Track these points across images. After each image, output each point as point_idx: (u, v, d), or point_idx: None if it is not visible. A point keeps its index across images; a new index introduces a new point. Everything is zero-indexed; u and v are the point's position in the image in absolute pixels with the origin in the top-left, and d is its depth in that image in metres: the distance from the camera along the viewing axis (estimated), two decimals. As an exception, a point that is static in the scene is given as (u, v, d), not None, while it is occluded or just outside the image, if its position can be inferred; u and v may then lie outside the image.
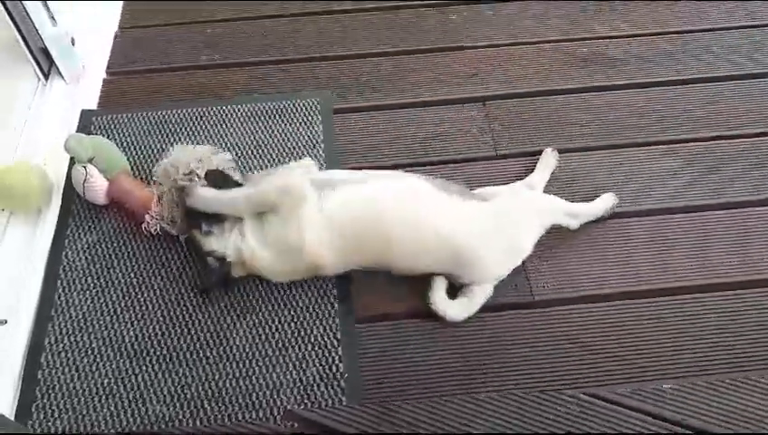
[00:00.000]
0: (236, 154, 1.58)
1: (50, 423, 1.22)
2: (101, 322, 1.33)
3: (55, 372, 1.27)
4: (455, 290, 1.34)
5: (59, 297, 1.36)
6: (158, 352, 1.29)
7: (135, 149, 1.59)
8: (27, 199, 1.47)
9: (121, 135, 1.62)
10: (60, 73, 1.73)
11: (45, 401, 1.24)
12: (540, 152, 1.57)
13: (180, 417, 1.22)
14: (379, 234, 1.28)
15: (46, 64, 1.72)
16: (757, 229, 1.45)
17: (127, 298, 1.36)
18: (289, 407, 1.23)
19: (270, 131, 1.63)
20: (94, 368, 1.27)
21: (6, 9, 1.57)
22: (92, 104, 1.71)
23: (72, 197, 1.49)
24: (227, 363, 1.28)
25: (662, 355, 1.28)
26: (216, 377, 1.26)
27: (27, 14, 1.60)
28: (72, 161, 1.48)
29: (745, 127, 1.64)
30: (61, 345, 1.30)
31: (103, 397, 1.24)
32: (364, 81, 1.76)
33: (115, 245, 1.43)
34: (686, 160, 1.57)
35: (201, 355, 1.29)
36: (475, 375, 1.27)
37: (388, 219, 1.28)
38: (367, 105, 1.71)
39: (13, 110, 1.66)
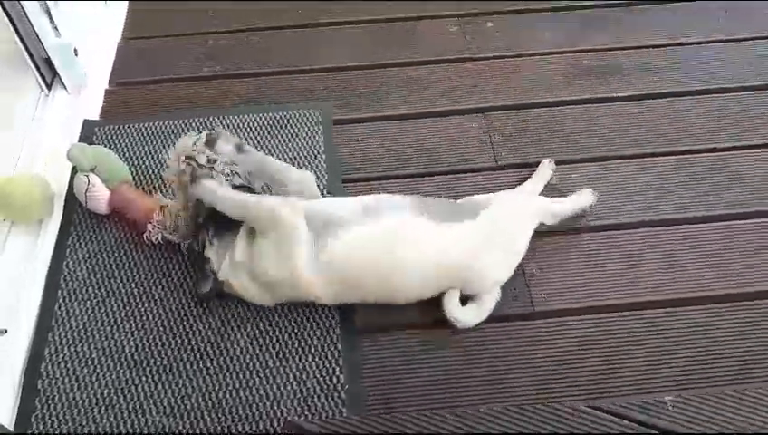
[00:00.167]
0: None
1: (49, 434, 1.21)
2: (102, 332, 1.33)
3: (55, 382, 1.27)
4: (465, 297, 1.34)
5: (59, 307, 1.36)
6: (158, 363, 1.29)
7: (137, 159, 1.60)
8: (29, 209, 1.47)
9: (123, 145, 1.62)
10: (62, 84, 1.73)
11: (45, 411, 1.23)
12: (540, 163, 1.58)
13: (180, 428, 1.21)
14: (381, 280, 1.29)
15: (49, 75, 1.73)
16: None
17: (127, 308, 1.36)
18: (289, 418, 1.23)
19: (271, 142, 1.63)
20: (94, 378, 1.27)
21: (10, 19, 1.57)
22: (95, 114, 1.72)
23: (74, 206, 1.49)
24: (227, 374, 1.27)
25: (663, 367, 1.28)
26: (216, 388, 1.26)
27: (31, 24, 1.61)
28: (75, 171, 1.48)
29: (751, 139, 1.64)
30: (61, 355, 1.30)
31: (103, 407, 1.24)
32: (364, 92, 1.77)
33: (116, 254, 1.43)
34: (691, 170, 1.58)
35: (201, 366, 1.29)
36: (477, 386, 1.26)
37: (388, 265, 1.28)
38: (367, 116, 1.71)
39: (15, 119, 1.67)
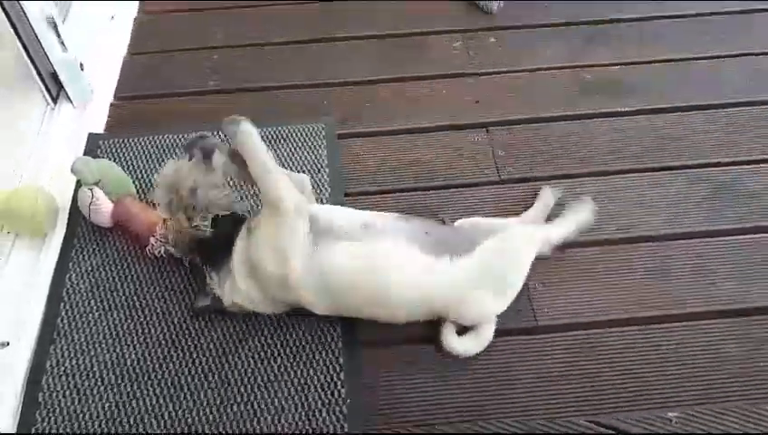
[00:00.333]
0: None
1: (50, 447, 1.21)
2: (104, 345, 1.33)
3: (56, 395, 1.26)
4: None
5: (61, 320, 1.36)
6: (159, 377, 1.29)
7: (141, 172, 1.61)
8: (34, 222, 1.47)
9: (128, 159, 1.63)
10: (68, 97, 1.75)
11: (46, 424, 1.23)
12: (543, 178, 1.59)
13: (181, 442, 1.21)
14: (364, 299, 1.28)
15: (55, 89, 1.74)
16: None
17: (129, 321, 1.36)
18: (290, 433, 1.22)
19: (275, 156, 1.63)
20: (96, 392, 1.27)
21: (17, 34, 1.59)
22: (99, 128, 1.73)
23: (78, 220, 1.50)
24: (229, 388, 1.27)
25: (667, 382, 1.27)
26: (218, 401, 1.26)
27: (38, 38, 1.62)
28: (79, 184, 1.49)
29: (752, 154, 1.64)
30: (62, 368, 1.30)
31: (104, 421, 1.23)
32: (368, 106, 1.78)
33: (119, 268, 1.43)
34: (691, 185, 1.57)
35: (203, 379, 1.28)
36: (479, 401, 1.26)
37: (369, 286, 1.26)
38: (371, 130, 1.72)
39: (21, 133, 1.68)
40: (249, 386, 1.27)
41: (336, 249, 1.25)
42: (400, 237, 1.28)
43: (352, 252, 1.26)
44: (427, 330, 1.32)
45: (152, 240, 1.38)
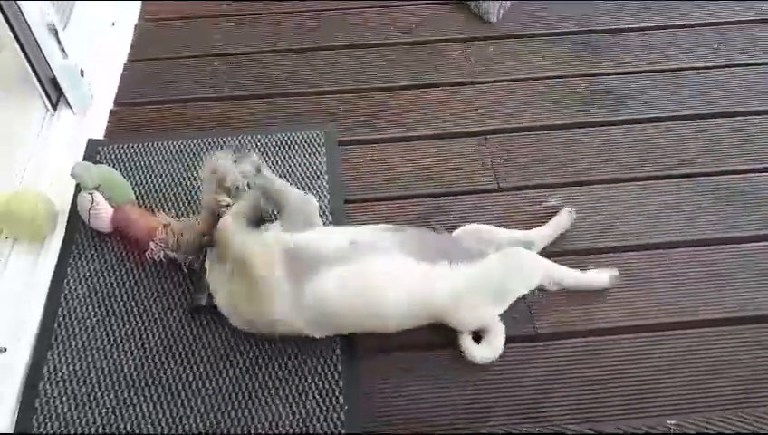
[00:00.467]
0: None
1: (46, 453, 1.20)
2: (101, 351, 1.32)
3: (53, 401, 1.26)
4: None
5: (59, 325, 1.35)
6: (156, 383, 1.28)
7: (140, 178, 1.61)
8: (33, 227, 1.47)
9: (127, 165, 1.63)
10: (68, 103, 1.75)
11: (42, 430, 1.22)
12: (541, 186, 1.59)
13: (178, 449, 1.21)
14: (360, 318, 1.28)
15: (55, 95, 1.74)
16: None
17: (127, 327, 1.35)
18: (288, 440, 1.22)
19: (275, 163, 1.64)
20: (92, 398, 1.26)
21: (18, 40, 1.60)
22: (99, 134, 1.73)
23: (77, 225, 1.50)
24: (226, 395, 1.26)
25: (667, 390, 1.27)
26: (215, 408, 1.25)
27: (38, 45, 1.63)
28: (78, 189, 1.49)
29: (749, 163, 1.65)
30: (60, 374, 1.29)
31: (101, 427, 1.23)
32: (368, 114, 1.79)
33: (117, 274, 1.43)
34: (690, 194, 1.58)
35: (200, 386, 1.28)
36: (478, 409, 1.25)
37: (366, 307, 1.26)
38: (371, 138, 1.73)
39: (21, 138, 1.68)
40: (247, 392, 1.27)
41: (326, 277, 1.23)
42: (393, 249, 1.27)
43: (343, 276, 1.24)
44: (426, 337, 1.32)
45: (151, 245, 1.38)
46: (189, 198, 1.57)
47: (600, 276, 1.40)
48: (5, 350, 1.33)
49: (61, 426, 1.23)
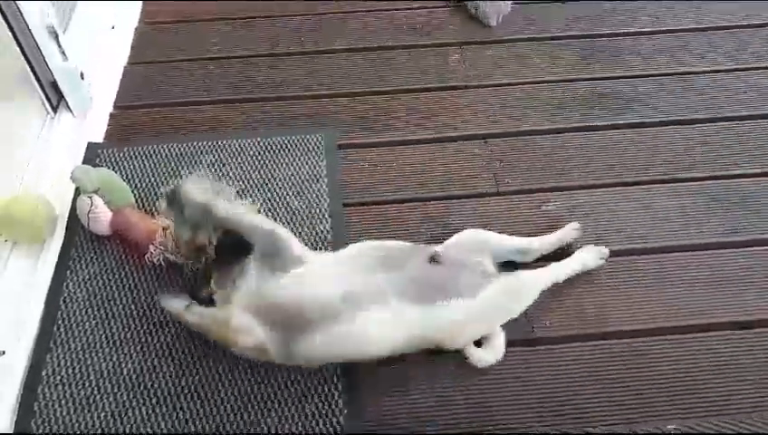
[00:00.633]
0: (240, 188, 1.59)
1: (44, 457, 1.20)
2: (101, 354, 1.32)
3: (52, 404, 1.26)
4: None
5: (58, 329, 1.35)
6: (156, 386, 1.28)
7: (140, 181, 1.61)
8: (33, 230, 1.47)
9: (126, 168, 1.64)
10: (68, 106, 1.75)
11: (41, 432, 1.22)
12: (542, 190, 1.60)
13: (177, 452, 1.21)
14: (364, 358, 1.26)
15: (55, 98, 1.74)
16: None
17: (127, 331, 1.35)
18: (288, 443, 1.22)
19: (274, 166, 1.64)
20: (92, 401, 1.26)
21: (18, 43, 1.60)
22: (99, 137, 1.74)
23: (76, 228, 1.50)
24: (225, 398, 1.26)
25: (666, 395, 1.27)
26: (215, 412, 1.25)
27: (38, 48, 1.63)
28: (78, 192, 1.49)
29: (759, 166, 1.65)
30: (59, 377, 1.29)
31: (100, 430, 1.23)
32: (367, 117, 1.79)
33: (116, 276, 1.43)
34: (691, 198, 1.58)
35: (200, 390, 1.28)
36: (478, 413, 1.25)
37: (370, 352, 1.24)
38: (370, 141, 1.73)
39: (21, 141, 1.68)
40: (246, 396, 1.27)
41: (313, 338, 1.19)
42: (389, 296, 1.21)
43: (333, 336, 1.19)
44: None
45: (151, 248, 1.38)
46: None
47: (591, 253, 1.42)
48: (4, 353, 1.33)
49: (60, 429, 1.23)
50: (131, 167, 1.64)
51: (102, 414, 1.24)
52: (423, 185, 1.63)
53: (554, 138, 1.73)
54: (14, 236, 1.50)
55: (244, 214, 1.29)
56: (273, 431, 1.23)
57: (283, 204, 1.56)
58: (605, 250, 1.43)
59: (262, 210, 1.49)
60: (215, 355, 1.32)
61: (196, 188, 1.29)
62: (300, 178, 1.62)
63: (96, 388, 1.28)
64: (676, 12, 2.07)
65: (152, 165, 1.64)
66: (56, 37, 1.64)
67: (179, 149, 1.68)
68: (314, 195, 1.58)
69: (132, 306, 1.38)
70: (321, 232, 1.51)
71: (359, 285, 1.22)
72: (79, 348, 1.33)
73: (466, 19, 2.07)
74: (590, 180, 1.63)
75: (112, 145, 1.70)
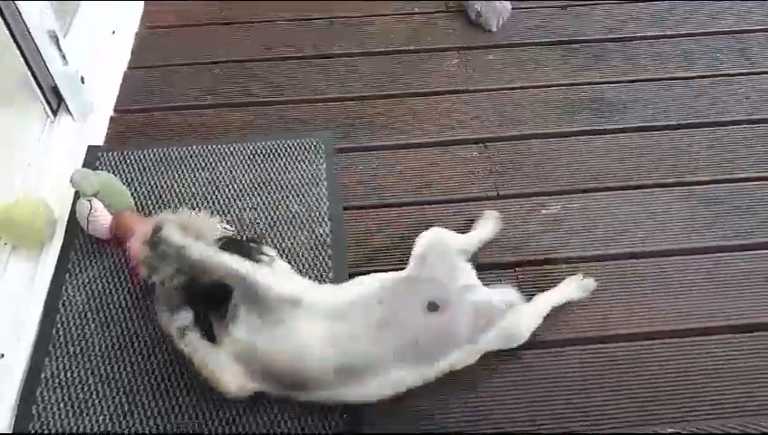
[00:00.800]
0: (240, 191, 1.59)
1: (42, 460, 1.19)
2: (99, 358, 1.32)
3: (51, 407, 1.25)
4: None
5: (57, 332, 1.35)
6: (155, 390, 1.28)
7: (140, 185, 1.61)
8: (33, 234, 1.47)
9: (127, 171, 1.64)
10: (68, 110, 1.75)
11: (39, 436, 1.22)
12: (541, 194, 1.60)
13: (175, 456, 1.20)
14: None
15: (55, 101, 1.75)
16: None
17: (126, 334, 1.35)
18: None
19: (273, 170, 1.65)
20: (90, 404, 1.26)
21: (19, 47, 1.60)
22: (99, 141, 1.74)
23: (76, 231, 1.50)
24: (226, 407, 1.25)
25: (665, 398, 1.27)
26: (215, 422, 1.24)
27: (39, 52, 1.63)
28: (78, 195, 1.49)
29: (755, 171, 1.65)
30: (57, 380, 1.29)
31: (99, 433, 1.22)
32: (367, 121, 1.79)
33: (115, 280, 1.43)
34: (692, 202, 1.58)
35: (199, 396, 1.27)
36: (476, 415, 1.25)
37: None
38: (369, 145, 1.73)
39: (21, 144, 1.68)
40: (248, 407, 1.25)
41: (308, 395, 1.19)
42: (387, 364, 1.16)
43: (329, 396, 1.19)
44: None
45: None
46: (189, 205, 1.57)
47: (570, 287, 1.39)
48: (2, 356, 1.33)
49: (58, 432, 1.22)
50: (131, 170, 1.64)
51: (101, 417, 1.24)
52: (423, 189, 1.63)
53: (555, 142, 1.73)
54: (14, 239, 1.50)
55: (220, 258, 1.21)
56: (273, 431, 1.22)
57: (282, 207, 1.56)
58: (591, 283, 1.40)
59: (241, 234, 1.46)
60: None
61: (175, 228, 1.24)
62: (299, 181, 1.62)
63: (95, 391, 1.27)
64: (679, 15, 2.08)
65: (152, 168, 1.65)
66: (57, 41, 1.65)
67: (179, 152, 1.68)
68: (314, 198, 1.58)
69: (131, 310, 1.38)
70: (321, 235, 1.51)
71: (356, 356, 1.16)
72: (78, 351, 1.33)
73: (467, 24, 2.08)
74: (590, 184, 1.63)
75: (112, 148, 1.70)
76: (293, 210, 1.56)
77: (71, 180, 1.45)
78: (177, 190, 1.60)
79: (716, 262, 1.47)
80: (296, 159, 1.67)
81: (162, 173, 1.64)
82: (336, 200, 1.58)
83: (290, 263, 1.44)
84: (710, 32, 2.02)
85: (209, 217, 1.35)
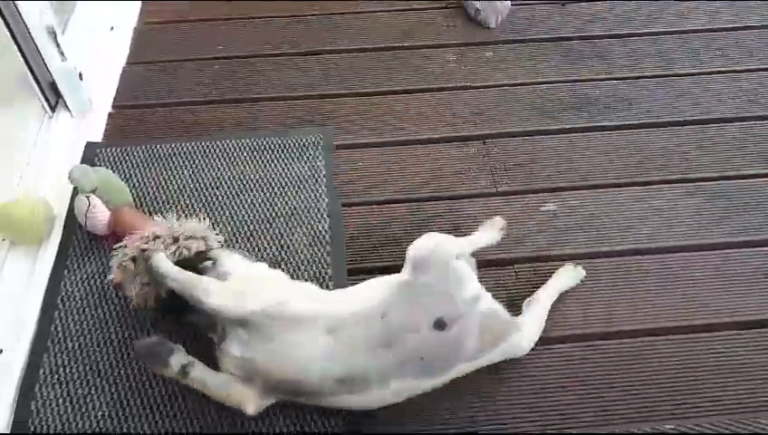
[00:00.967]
0: (238, 188, 1.59)
1: (41, 456, 1.19)
2: (98, 353, 1.32)
3: (49, 403, 1.25)
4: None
5: (56, 328, 1.35)
6: (154, 385, 1.28)
7: (138, 181, 1.61)
8: (32, 231, 1.47)
9: (125, 168, 1.64)
10: (66, 107, 1.75)
11: (39, 432, 1.22)
12: (540, 190, 1.60)
13: (174, 452, 1.20)
14: None
15: (53, 98, 1.74)
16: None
17: (124, 330, 1.35)
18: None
19: (272, 166, 1.64)
20: (89, 400, 1.26)
21: (17, 43, 1.60)
22: (97, 137, 1.74)
23: (74, 228, 1.49)
24: (228, 408, 1.25)
25: (664, 395, 1.26)
26: (213, 412, 1.24)
27: (37, 48, 1.63)
28: (76, 192, 1.49)
29: (762, 168, 1.65)
30: (56, 376, 1.29)
31: (96, 430, 1.22)
32: (366, 118, 1.79)
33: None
34: (698, 199, 1.58)
35: (200, 393, 1.27)
36: (476, 413, 1.25)
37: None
38: (368, 141, 1.73)
39: (19, 141, 1.68)
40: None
41: (314, 401, 1.19)
42: (389, 378, 1.14)
43: (333, 403, 1.18)
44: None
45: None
46: (188, 201, 1.57)
47: (561, 279, 1.38)
48: (1, 352, 1.33)
49: (57, 428, 1.22)
50: (130, 166, 1.64)
51: (99, 413, 1.24)
52: (421, 185, 1.63)
53: (554, 138, 1.73)
54: (13, 236, 1.50)
55: (188, 283, 1.21)
56: (272, 431, 1.22)
57: (281, 204, 1.56)
58: (582, 271, 1.40)
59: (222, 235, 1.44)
60: (213, 354, 1.31)
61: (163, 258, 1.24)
62: (298, 178, 1.62)
63: (94, 387, 1.27)
64: (680, 12, 2.08)
65: (151, 164, 1.64)
66: (55, 38, 1.64)
67: (178, 148, 1.68)
68: (313, 195, 1.58)
69: (130, 305, 1.38)
70: (320, 232, 1.51)
71: (357, 368, 1.14)
72: (76, 347, 1.32)
73: (466, 20, 2.07)
74: (593, 181, 1.63)
75: (111, 145, 1.70)
76: (292, 207, 1.56)
77: (69, 176, 1.45)
78: (176, 186, 1.60)
79: (722, 258, 1.47)
80: (295, 155, 1.67)
81: (161, 169, 1.63)
82: (335, 197, 1.58)
83: (288, 259, 1.45)
84: (714, 28, 2.03)
85: (197, 223, 1.35)
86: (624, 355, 1.32)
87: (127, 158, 1.66)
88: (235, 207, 1.56)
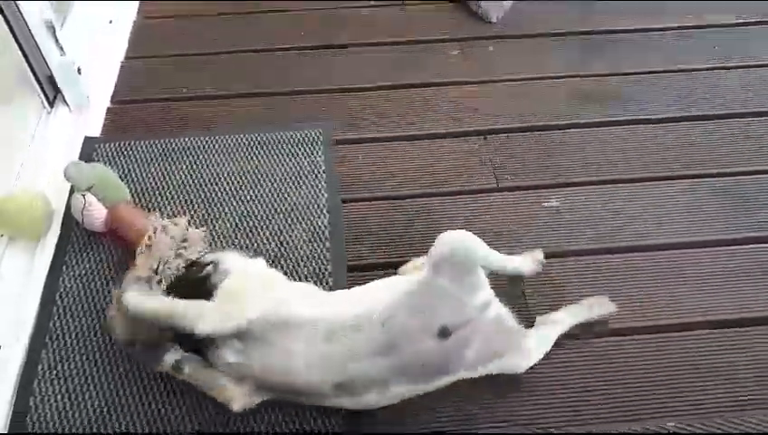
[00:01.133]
0: (238, 183, 1.59)
1: (39, 453, 1.19)
2: (96, 349, 1.31)
3: (48, 399, 1.25)
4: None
5: (54, 324, 1.35)
6: (152, 381, 1.27)
7: (136, 176, 1.60)
8: (30, 227, 1.46)
9: (123, 163, 1.63)
10: (65, 101, 1.74)
11: (37, 429, 1.21)
12: (541, 186, 1.59)
13: (173, 448, 1.20)
14: None
15: (52, 92, 1.73)
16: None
17: (123, 326, 1.35)
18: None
19: (272, 161, 1.64)
20: (87, 396, 1.25)
21: (15, 38, 1.59)
22: (96, 132, 1.73)
23: (72, 224, 1.49)
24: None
25: (666, 392, 1.26)
26: (212, 409, 1.23)
27: (35, 42, 1.62)
28: (73, 189, 1.48)
29: (762, 164, 1.64)
30: (54, 372, 1.28)
31: (95, 425, 1.22)
32: (366, 113, 1.78)
33: (112, 272, 1.42)
34: (698, 195, 1.57)
35: (199, 392, 1.26)
36: (472, 417, 1.24)
37: None
38: (369, 137, 1.72)
39: (17, 135, 1.67)
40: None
41: (312, 402, 1.19)
42: (388, 383, 1.13)
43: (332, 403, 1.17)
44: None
45: (138, 250, 1.36)
46: (185, 198, 1.56)
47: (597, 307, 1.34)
48: (0, 347, 1.32)
49: (56, 424, 1.22)
50: (128, 161, 1.63)
51: (98, 409, 1.24)
52: (422, 180, 1.62)
53: (556, 134, 1.72)
54: (11, 232, 1.49)
55: (172, 314, 1.16)
56: (272, 430, 1.22)
57: (281, 199, 1.56)
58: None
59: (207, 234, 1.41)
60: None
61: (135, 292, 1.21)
62: (298, 173, 1.61)
63: (92, 383, 1.27)
64: (681, 8, 2.06)
65: (149, 159, 1.64)
66: (54, 32, 1.64)
67: (176, 143, 1.67)
68: (312, 190, 1.57)
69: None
70: (320, 227, 1.50)
71: (357, 373, 1.12)
72: (75, 343, 1.32)
73: (467, 15, 2.06)
74: (592, 177, 1.62)
75: (109, 140, 1.69)
76: (292, 202, 1.55)
77: (65, 173, 1.43)
78: (175, 181, 1.59)
79: (723, 255, 1.45)
80: (295, 150, 1.66)
81: (159, 164, 1.63)
82: (335, 192, 1.58)
83: (288, 255, 1.44)
84: (714, 24, 2.02)
85: (187, 225, 1.34)
86: (629, 353, 1.31)
87: (125, 153, 1.65)
88: (235, 203, 1.55)
